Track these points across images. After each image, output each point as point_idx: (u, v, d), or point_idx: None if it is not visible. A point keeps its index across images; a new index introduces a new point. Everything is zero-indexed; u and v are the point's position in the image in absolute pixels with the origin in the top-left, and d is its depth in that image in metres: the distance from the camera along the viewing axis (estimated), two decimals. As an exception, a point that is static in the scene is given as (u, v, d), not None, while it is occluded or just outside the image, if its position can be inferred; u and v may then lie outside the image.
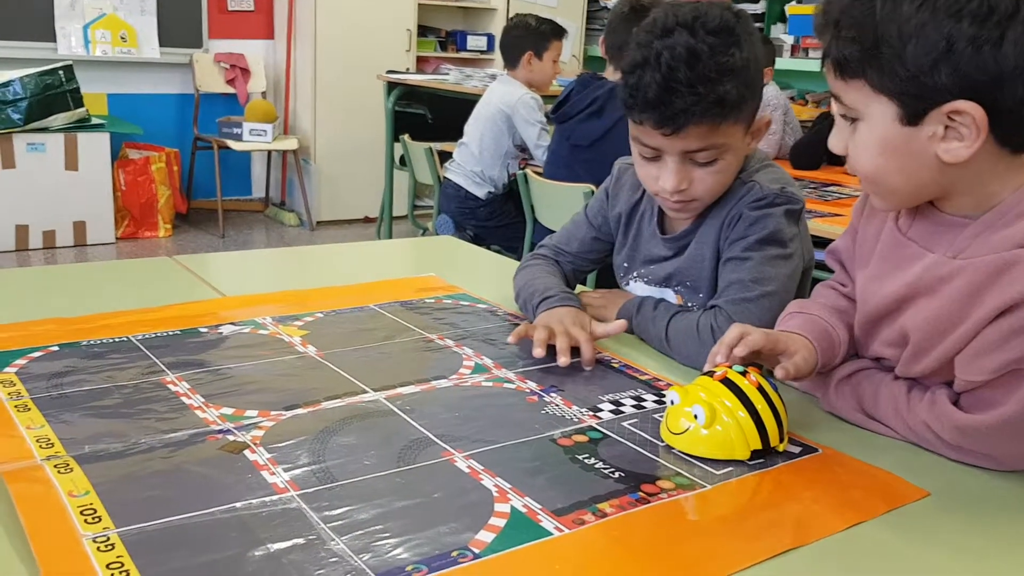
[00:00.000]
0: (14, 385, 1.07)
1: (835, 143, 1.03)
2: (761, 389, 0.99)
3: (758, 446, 0.98)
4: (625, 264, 1.48)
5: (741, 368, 1.01)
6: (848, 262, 1.18)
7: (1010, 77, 0.88)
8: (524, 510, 0.86)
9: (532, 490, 0.89)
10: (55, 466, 0.88)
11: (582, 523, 0.84)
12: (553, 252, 1.51)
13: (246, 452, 0.94)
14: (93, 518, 0.80)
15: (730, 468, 0.96)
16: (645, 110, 1.22)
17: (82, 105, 4.85)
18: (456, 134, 3.95)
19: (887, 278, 1.06)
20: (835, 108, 1.03)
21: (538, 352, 1.23)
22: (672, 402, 1.01)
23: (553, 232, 3.10)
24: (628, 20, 2.96)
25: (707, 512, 0.90)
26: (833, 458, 1.01)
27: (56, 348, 1.20)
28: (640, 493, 0.90)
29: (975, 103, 0.89)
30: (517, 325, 1.39)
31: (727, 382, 1.00)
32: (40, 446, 0.92)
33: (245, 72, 5.76)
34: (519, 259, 1.55)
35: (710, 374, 1.02)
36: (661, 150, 1.27)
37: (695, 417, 0.97)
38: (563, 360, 1.21)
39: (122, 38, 5.34)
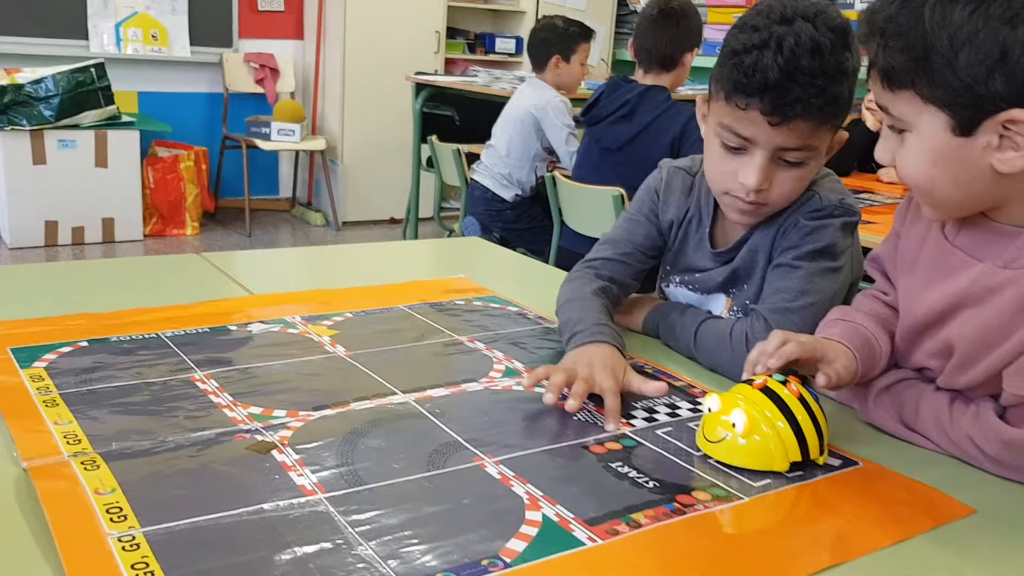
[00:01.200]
0: (43, 380, 1.06)
1: (882, 154, 1.00)
2: (802, 399, 0.97)
3: (798, 458, 0.95)
4: (668, 267, 1.44)
5: (782, 377, 0.99)
6: (890, 269, 1.15)
7: None
8: (556, 519, 0.84)
9: (564, 498, 0.87)
10: (82, 463, 0.87)
11: (616, 533, 0.82)
12: (610, 256, 1.38)
13: (274, 452, 0.92)
14: (119, 516, 0.78)
15: (768, 480, 0.94)
16: (758, 93, 1.14)
17: (113, 103, 4.88)
18: (484, 136, 3.94)
19: (932, 286, 1.03)
20: (870, 118, 1.00)
21: (548, 399, 1.08)
22: (710, 409, 0.98)
23: (580, 235, 3.12)
24: (657, 23, 2.94)
25: (744, 525, 0.87)
26: (874, 472, 0.98)
27: (85, 344, 1.19)
28: (675, 504, 0.88)
29: None
30: (548, 328, 1.38)
31: (767, 391, 0.97)
32: (67, 442, 0.91)
33: (274, 72, 5.78)
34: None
35: (749, 382, 0.99)
36: (753, 142, 1.19)
37: (733, 426, 0.95)
38: (573, 404, 1.07)
39: (153, 37, 5.37)
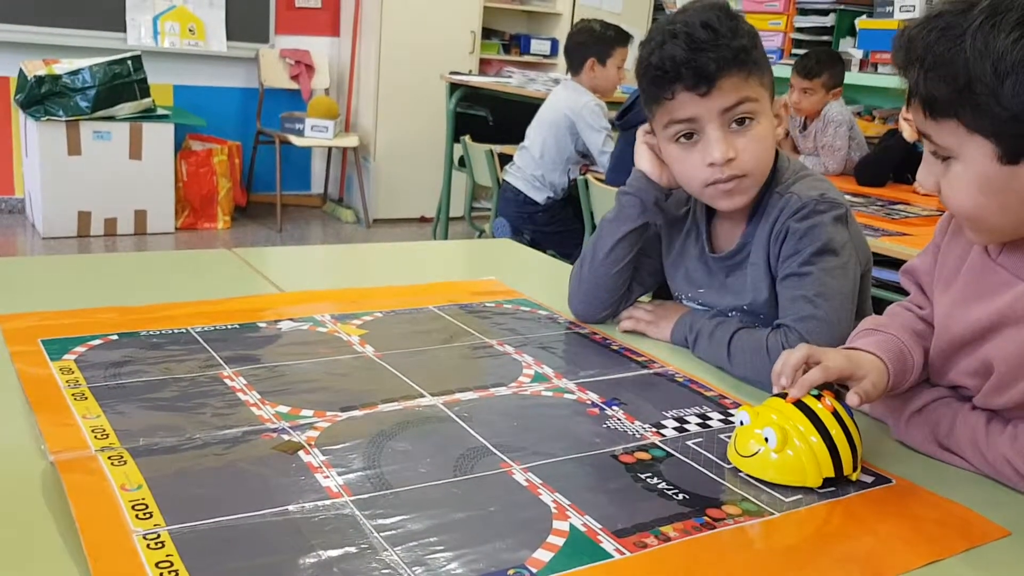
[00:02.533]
0: (72, 373, 1.07)
1: (925, 180, 0.97)
2: (836, 414, 0.95)
3: (831, 474, 0.93)
4: (669, 283, 1.46)
5: (815, 391, 0.97)
6: (927, 284, 1.13)
7: None
8: (583, 529, 0.83)
9: (592, 508, 0.86)
10: (109, 458, 0.87)
11: (644, 546, 0.81)
12: None
13: (300, 453, 0.92)
14: (144, 514, 0.78)
15: (799, 496, 0.92)
16: (676, 76, 1.22)
17: (148, 95, 4.91)
18: (517, 137, 3.93)
19: (972, 304, 1.01)
20: (907, 128, 0.97)
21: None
22: (742, 423, 0.97)
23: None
24: None
25: (775, 541, 0.86)
26: (907, 490, 0.96)
27: (116, 337, 1.19)
28: (705, 517, 0.87)
29: None
30: (578, 333, 1.37)
31: (801, 405, 0.95)
32: (95, 436, 0.91)
33: (309, 68, 5.80)
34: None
35: (782, 396, 0.98)
36: (699, 121, 1.24)
37: (766, 440, 0.93)
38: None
39: (190, 31, 5.41)
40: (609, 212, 1.42)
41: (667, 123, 1.27)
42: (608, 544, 0.81)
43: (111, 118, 4.77)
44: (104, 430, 0.93)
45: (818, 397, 0.96)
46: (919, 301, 1.14)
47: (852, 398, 0.99)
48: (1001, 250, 1.00)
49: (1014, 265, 0.97)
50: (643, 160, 1.38)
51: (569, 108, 3.68)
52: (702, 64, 1.20)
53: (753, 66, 1.24)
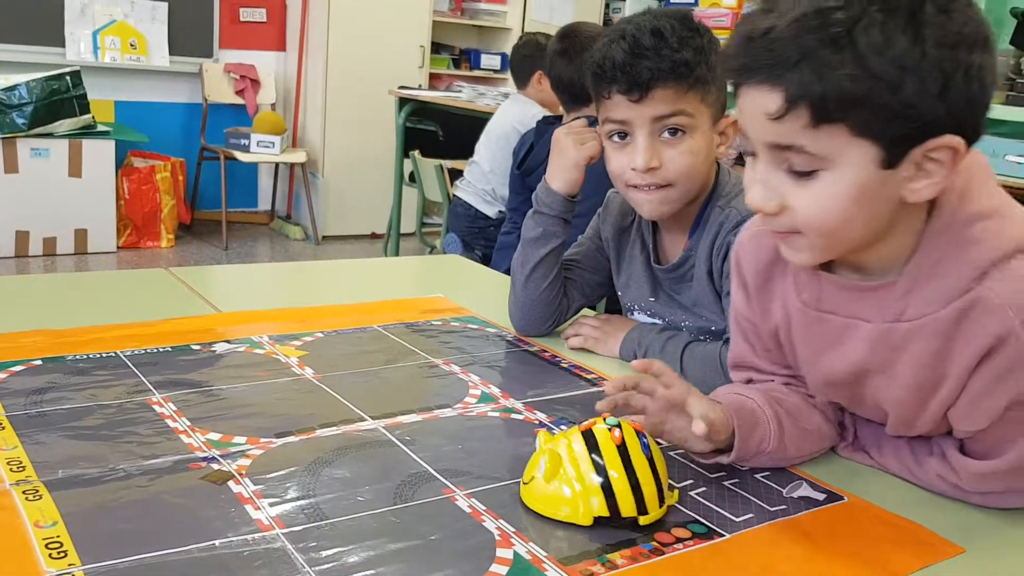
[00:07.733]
0: (-10, 401, 1.01)
1: (767, 201, 0.86)
2: (622, 448, 0.86)
3: (604, 513, 0.85)
4: (620, 293, 1.44)
5: (615, 421, 0.89)
6: (764, 366, 1.07)
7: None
8: (528, 557, 0.79)
9: (538, 535, 0.83)
10: (23, 492, 0.82)
11: (591, 575, 0.77)
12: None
13: (230, 483, 0.87)
14: (59, 553, 0.73)
15: (750, 515, 0.90)
16: (613, 78, 1.22)
17: (88, 112, 4.80)
18: (467, 152, 3.89)
19: (823, 358, 0.97)
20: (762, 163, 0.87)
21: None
22: (537, 448, 0.90)
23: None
24: (560, 58, 2.84)
25: (726, 565, 0.82)
26: (861, 508, 0.94)
27: (39, 362, 1.13)
28: (653, 543, 0.83)
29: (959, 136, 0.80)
30: (527, 351, 1.34)
31: (588, 435, 0.88)
32: (10, 469, 0.86)
33: (255, 83, 5.72)
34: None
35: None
36: (630, 124, 1.24)
37: (540, 468, 0.87)
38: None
39: (132, 45, 5.31)
40: (526, 229, 1.39)
41: (604, 120, 1.28)
42: (553, 573, 0.77)
43: (49, 135, 4.65)
44: (20, 462, 0.87)
45: (616, 427, 0.88)
46: (760, 378, 1.08)
47: (696, 426, 0.90)
48: (819, 296, 0.95)
49: (841, 306, 0.94)
50: (564, 173, 1.36)
51: (518, 121, 3.65)
52: (638, 71, 1.20)
53: (695, 81, 1.22)
